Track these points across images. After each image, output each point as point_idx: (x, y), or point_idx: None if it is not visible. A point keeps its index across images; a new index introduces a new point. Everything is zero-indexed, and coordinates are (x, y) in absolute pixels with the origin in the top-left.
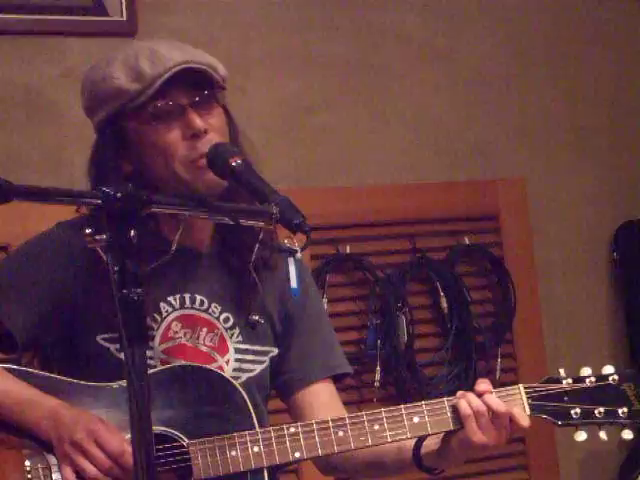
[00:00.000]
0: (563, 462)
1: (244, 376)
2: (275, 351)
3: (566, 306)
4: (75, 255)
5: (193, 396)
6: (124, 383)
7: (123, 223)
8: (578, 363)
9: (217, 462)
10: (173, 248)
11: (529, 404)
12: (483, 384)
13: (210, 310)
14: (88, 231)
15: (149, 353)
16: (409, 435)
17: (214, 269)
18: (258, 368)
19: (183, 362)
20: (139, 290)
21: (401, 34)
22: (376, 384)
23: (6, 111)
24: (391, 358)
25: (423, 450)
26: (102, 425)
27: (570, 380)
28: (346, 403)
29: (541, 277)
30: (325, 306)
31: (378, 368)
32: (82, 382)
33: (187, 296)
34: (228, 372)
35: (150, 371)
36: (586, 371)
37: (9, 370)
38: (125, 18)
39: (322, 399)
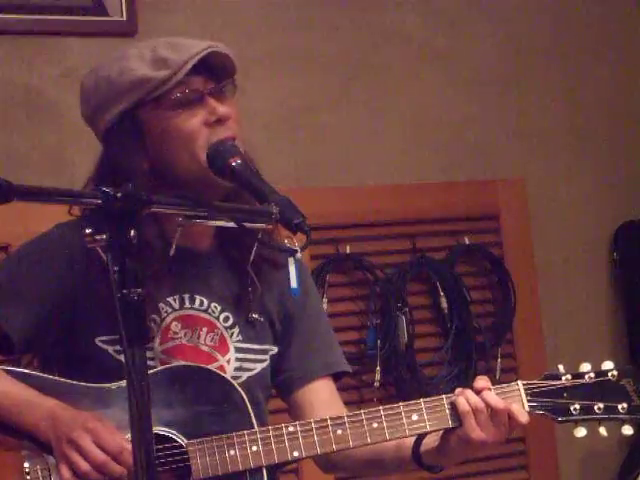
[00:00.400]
0: (563, 462)
1: (245, 375)
2: (275, 349)
3: (566, 306)
4: (74, 257)
5: (192, 396)
6: (122, 384)
7: (123, 223)
8: (578, 363)
9: (216, 462)
10: (172, 250)
11: (528, 400)
12: (482, 381)
13: (210, 310)
14: (88, 231)
15: (149, 354)
16: (408, 433)
17: (213, 269)
18: (259, 367)
19: (181, 362)
20: (139, 290)
21: (401, 34)
22: (376, 384)
23: (6, 111)
24: (391, 358)
25: (422, 448)
26: (100, 424)
27: (569, 376)
28: (346, 403)
29: (541, 277)
30: (325, 306)
31: (378, 368)
32: (80, 383)
33: (186, 296)
34: (229, 371)
35: (149, 371)
36: (585, 367)
37: (7, 372)
38: (125, 18)
39: (322, 397)
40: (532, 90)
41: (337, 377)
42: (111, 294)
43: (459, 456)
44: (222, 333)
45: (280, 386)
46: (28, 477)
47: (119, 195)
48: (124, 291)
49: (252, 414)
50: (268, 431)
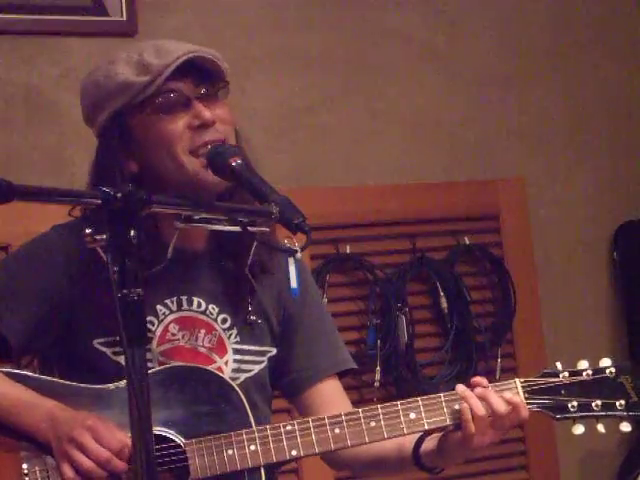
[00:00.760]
0: (563, 462)
1: (243, 376)
2: (273, 351)
3: (566, 306)
4: (71, 259)
5: (190, 396)
6: (121, 385)
7: (123, 223)
8: (577, 362)
9: (214, 461)
10: (170, 253)
11: (526, 398)
12: (479, 379)
13: (208, 311)
14: (88, 231)
15: (147, 355)
16: (406, 432)
17: (211, 270)
18: (256, 368)
19: (180, 363)
20: (139, 290)
21: (401, 34)
22: (376, 384)
23: (6, 111)
24: (391, 358)
25: (422, 449)
26: (100, 422)
27: (567, 373)
28: None
29: (541, 277)
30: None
31: (378, 368)
32: (79, 385)
33: (184, 298)
34: (227, 373)
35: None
36: (583, 364)
37: (6, 373)
38: (125, 18)
39: (331, 396)
40: (532, 90)
41: (342, 374)
42: (110, 295)
43: (458, 458)
44: (220, 335)
45: (287, 387)
46: (27, 478)
47: (119, 195)
48: (124, 291)
49: (250, 414)
50: (266, 430)
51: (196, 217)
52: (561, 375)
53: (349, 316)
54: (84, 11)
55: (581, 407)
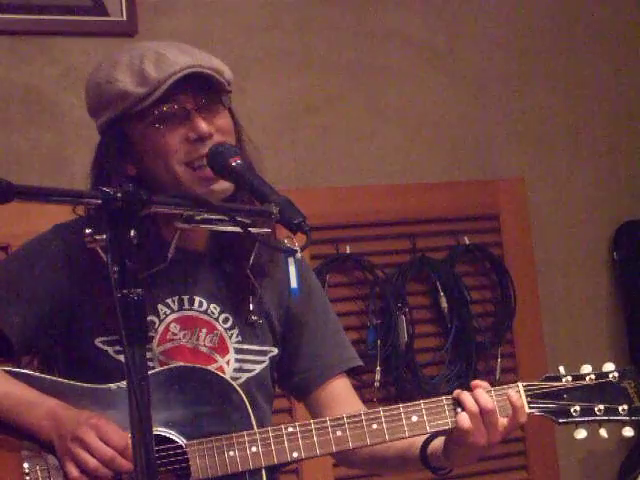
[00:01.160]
0: (563, 462)
1: (244, 376)
2: (275, 351)
3: (566, 306)
4: (72, 258)
5: (191, 397)
6: (123, 384)
7: (123, 223)
8: (578, 363)
9: (215, 462)
10: (171, 253)
11: (528, 402)
12: (479, 381)
13: (209, 311)
14: (88, 231)
15: (148, 355)
16: (407, 434)
17: (212, 270)
18: (258, 368)
19: (181, 363)
20: (139, 290)
21: (401, 34)
22: (376, 384)
23: (6, 111)
24: (391, 358)
25: (429, 450)
26: (104, 420)
27: (570, 378)
28: None
29: (541, 277)
30: None
31: (378, 368)
32: (81, 384)
33: (186, 298)
34: (229, 373)
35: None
36: (586, 368)
37: (8, 372)
38: (125, 18)
39: (341, 394)
40: (532, 90)
41: (348, 372)
42: (111, 294)
43: (462, 458)
44: (221, 334)
45: (296, 388)
46: (27, 477)
47: (119, 195)
48: (124, 291)
49: (252, 415)
50: (267, 432)
51: (197, 217)
52: (564, 379)
53: (349, 316)
54: (84, 11)
55: (584, 412)
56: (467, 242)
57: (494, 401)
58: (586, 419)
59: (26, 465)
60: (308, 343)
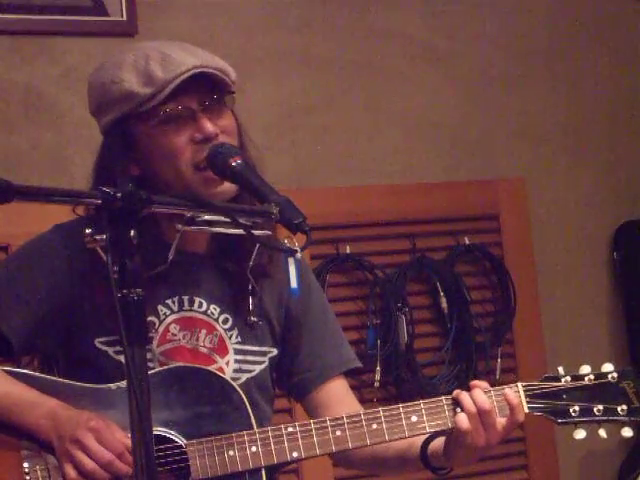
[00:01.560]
0: (563, 462)
1: (244, 377)
2: (274, 351)
3: (566, 306)
4: (72, 258)
5: (191, 397)
6: (123, 384)
7: (123, 223)
8: (578, 363)
9: (215, 462)
10: (171, 254)
11: (527, 402)
12: (478, 381)
13: (209, 312)
14: (88, 231)
15: (147, 355)
16: (407, 434)
17: (212, 271)
18: (257, 368)
19: (181, 363)
20: (139, 290)
21: (401, 34)
22: (376, 384)
23: (6, 111)
24: (391, 358)
25: (430, 450)
26: (103, 422)
27: (569, 378)
28: None
29: (541, 277)
30: None
31: (378, 368)
32: (81, 384)
33: (186, 298)
34: (228, 373)
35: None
36: (585, 369)
37: (8, 372)
38: (125, 18)
39: (338, 395)
40: (532, 90)
41: (346, 373)
42: (111, 294)
43: (463, 459)
44: (221, 335)
45: (294, 389)
46: (27, 477)
47: (119, 195)
48: (124, 291)
49: (251, 415)
50: (267, 432)
51: (198, 219)
52: (563, 379)
53: (349, 316)
54: (84, 11)
55: (583, 412)
56: (467, 242)
57: (493, 401)
58: (585, 419)
59: (26, 465)
60: (307, 344)
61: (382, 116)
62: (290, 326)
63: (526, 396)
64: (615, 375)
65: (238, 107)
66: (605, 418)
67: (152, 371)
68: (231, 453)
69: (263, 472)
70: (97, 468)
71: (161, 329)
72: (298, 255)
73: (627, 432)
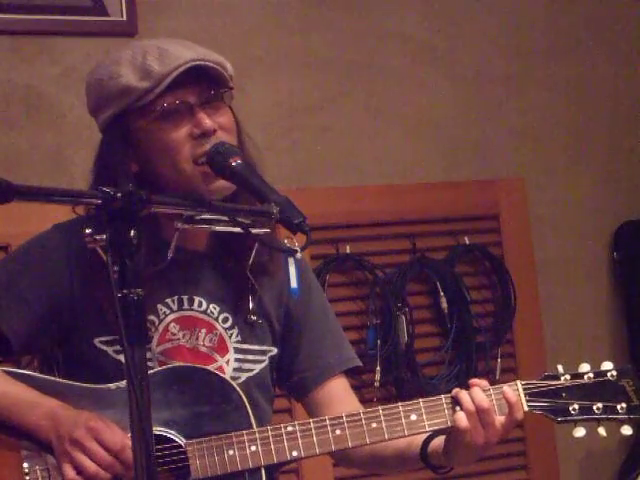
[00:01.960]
0: (563, 462)
1: (244, 376)
2: (274, 350)
3: (566, 306)
4: (72, 258)
5: (190, 396)
6: (122, 384)
7: (123, 223)
8: (578, 363)
9: (214, 462)
10: (170, 253)
11: (527, 400)
12: (478, 380)
13: (209, 311)
14: (88, 231)
15: (147, 355)
16: (406, 433)
17: (212, 270)
18: (257, 367)
19: (180, 363)
20: (139, 290)
21: (401, 34)
22: (376, 384)
23: (6, 111)
24: (391, 358)
25: (430, 448)
26: (102, 422)
27: (568, 376)
28: None
29: (541, 277)
30: None
31: (378, 368)
32: (80, 384)
33: (185, 298)
34: (229, 372)
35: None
36: (585, 367)
37: (7, 373)
38: (125, 18)
39: (339, 394)
40: (532, 90)
41: (346, 372)
42: (110, 294)
43: (463, 457)
44: (221, 334)
45: (294, 388)
46: (27, 477)
47: (119, 195)
48: (124, 291)
49: (251, 414)
50: (267, 431)
51: (197, 218)
52: (562, 378)
53: (349, 316)
54: (84, 11)
55: (582, 410)
56: (467, 242)
57: (492, 400)
58: (585, 417)
59: (26, 465)
60: (307, 343)
61: (382, 116)
62: (290, 325)
63: (525, 394)
64: (614, 373)
65: (238, 107)
66: (604, 416)
67: (151, 371)
68: (231, 453)
69: (263, 471)
70: (96, 468)
71: (161, 328)
72: (298, 255)
73: (627, 430)
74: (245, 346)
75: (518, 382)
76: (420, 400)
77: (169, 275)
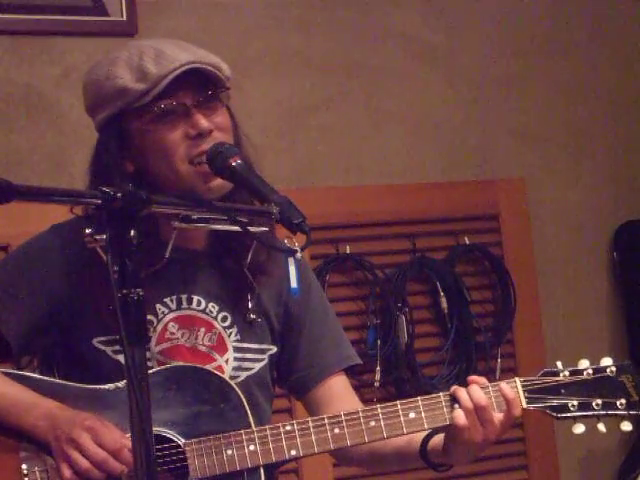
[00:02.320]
0: (563, 462)
1: (244, 375)
2: (274, 349)
3: (566, 306)
4: (70, 258)
5: (189, 396)
6: (119, 384)
7: (123, 223)
8: (578, 362)
9: (213, 462)
10: (168, 252)
11: (526, 397)
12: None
13: (207, 310)
14: (88, 231)
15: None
16: (405, 431)
17: (210, 268)
18: (257, 366)
19: (179, 362)
20: (139, 290)
21: (401, 34)
22: (376, 384)
23: (6, 111)
24: (391, 358)
25: (430, 446)
26: (99, 422)
27: (567, 372)
28: None
29: (541, 277)
30: None
31: (378, 368)
32: (78, 385)
33: (184, 297)
34: (228, 371)
35: None
36: (584, 363)
37: (6, 374)
38: (125, 18)
39: (338, 392)
40: (532, 90)
41: (346, 370)
42: (110, 294)
43: (462, 455)
44: (220, 333)
45: (294, 387)
46: (26, 478)
47: (119, 195)
48: (124, 291)
49: (249, 413)
50: (265, 430)
51: (194, 217)
52: (561, 374)
53: (349, 316)
54: (84, 11)
55: (581, 406)
56: (467, 242)
57: (491, 397)
58: (584, 414)
59: (25, 466)
60: (306, 341)
61: (382, 116)
62: (290, 324)
63: (524, 391)
64: (614, 369)
65: (238, 107)
66: (604, 412)
67: (151, 370)
68: (229, 452)
69: (262, 471)
70: (91, 467)
71: (159, 328)
72: (298, 255)
73: (626, 426)
74: (244, 345)
75: (517, 379)
76: (419, 398)
77: (167, 274)
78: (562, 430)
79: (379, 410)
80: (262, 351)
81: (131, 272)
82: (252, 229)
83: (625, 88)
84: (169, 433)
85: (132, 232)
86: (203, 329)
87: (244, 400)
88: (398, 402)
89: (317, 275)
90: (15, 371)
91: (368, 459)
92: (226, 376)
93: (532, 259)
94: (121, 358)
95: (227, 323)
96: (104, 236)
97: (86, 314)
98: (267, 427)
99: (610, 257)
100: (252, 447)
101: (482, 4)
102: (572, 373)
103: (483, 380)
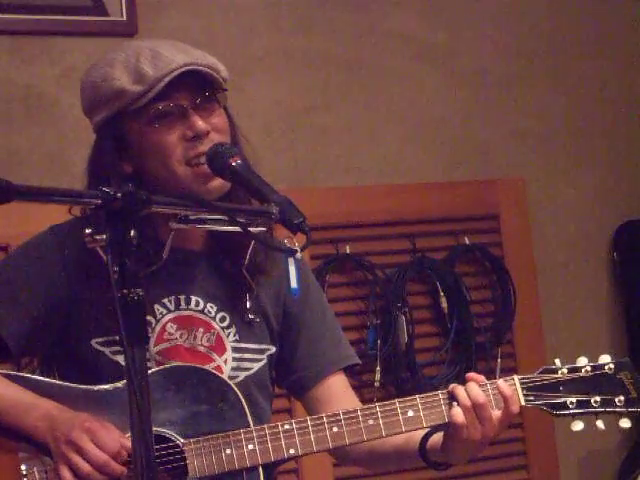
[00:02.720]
0: (563, 462)
1: (242, 375)
2: (272, 349)
3: (566, 306)
4: (69, 259)
5: (187, 396)
6: (119, 385)
7: (123, 223)
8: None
9: (212, 461)
10: (165, 253)
11: (524, 395)
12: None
13: (206, 310)
14: (88, 231)
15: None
16: (404, 429)
17: (209, 269)
18: (256, 366)
19: (178, 362)
20: (139, 290)
21: (401, 34)
22: (376, 384)
23: (6, 111)
24: (391, 358)
25: (429, 444)
26: (98, 423)
27: (566, 370)
28: None
29: (541, 277)
30: None
31: (378, 368)
32: (77, 386)
33: (182, 297)
34: (227, 372)
35: None
36: (582, 361)
37: (5, 375)
38: (125, 18)
39: (337, 391)
40: (532, 90)
41: (346, 369)
42: (109, 294)
43: (461, 454)
44: (218, 333)
45: (293, 386)
46: (25, 479)
47: (119, 195)
48: (124, 291)
49: (248, 413)
50: (264, 429)
51: (192, 217)
52: (560, 371)
53: (349, 316)
54: (84, 11)
55: (580, 403)
56: (467, 242)
57: (489, 395)
58: (583, 411)
59: (24, 467)
60: (305, 341)
61: (382, 116)
62: (288, 324)
63: (523, 389)
64: (612, 366)
65: (238, 107)
66: (603, 409)
67: (150, 371)
68: (228, 451)
69: (260, 470)
70: (92, 470)
71: (158, 328)
72: (298, 255)
73: (625, 423)
74: (243, 345)
75: (515, 377)
76: (417, 396)
77: (166, 275)
78: (562, 430)
79: (377, 409)
80: (261, 351)
81: (131, 272)
82: (252, 229)
83: (625, 88)
84: (168, 433)
85: (132, 232)
86: (202, 329)
87: (243, 400)
88: (396, 400)
89: (317, 275)
90: (14, 372)
91: (367, 458)
92: (225, 376)
93: (532, 259)
94: (120, 359)
95: (225, 323)
96: (104, 236)
97: (85, 315)
98: (266, 426)
99: (610, 257)
100: (251, 446)
101: (482, 4)
102: (570, 370)
103: (481, 378)
